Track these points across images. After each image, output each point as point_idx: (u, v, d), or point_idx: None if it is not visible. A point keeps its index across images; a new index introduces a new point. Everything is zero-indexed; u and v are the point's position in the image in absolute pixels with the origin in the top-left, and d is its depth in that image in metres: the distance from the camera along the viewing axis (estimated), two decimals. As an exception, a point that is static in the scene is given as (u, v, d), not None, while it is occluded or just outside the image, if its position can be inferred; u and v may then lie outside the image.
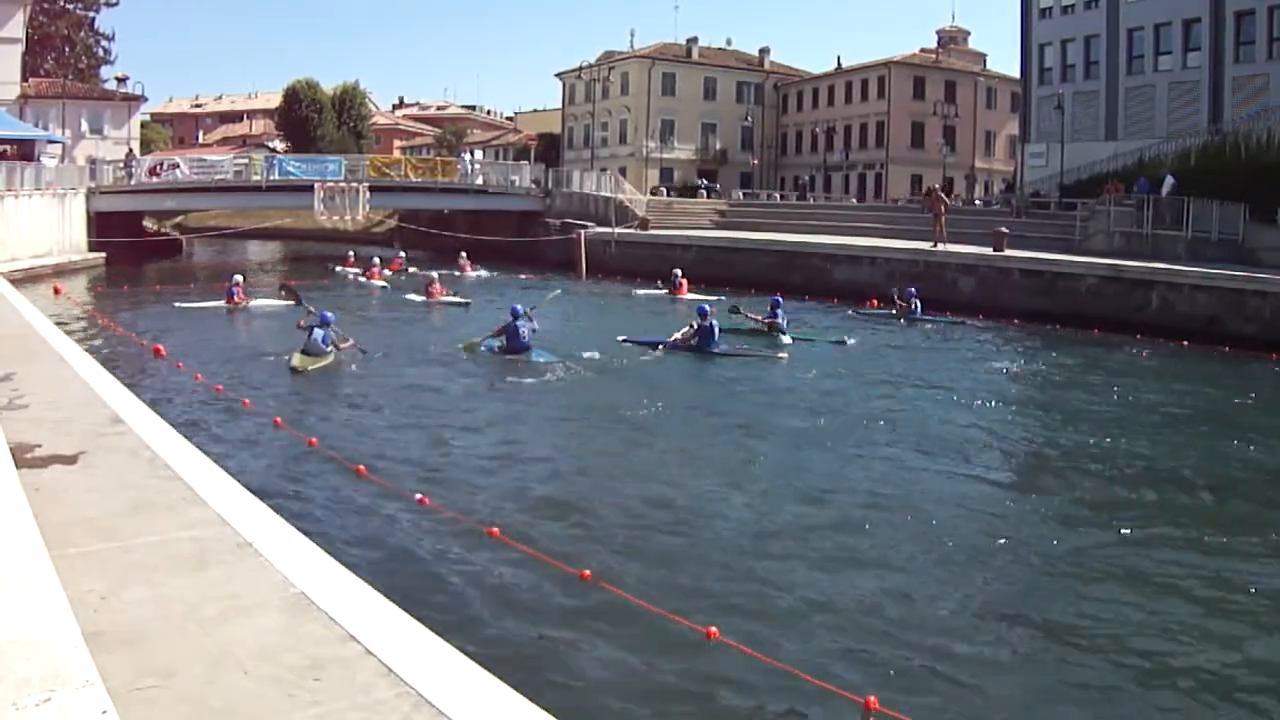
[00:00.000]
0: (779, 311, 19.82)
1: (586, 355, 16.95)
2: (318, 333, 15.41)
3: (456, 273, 32.24)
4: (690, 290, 27.27)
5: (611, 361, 16.94)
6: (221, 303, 22.66)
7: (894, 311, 23.90)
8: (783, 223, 39.91)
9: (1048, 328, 22.76)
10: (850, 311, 25.07)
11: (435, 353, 17.81)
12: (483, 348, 17.02)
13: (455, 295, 25.78)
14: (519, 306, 17.20)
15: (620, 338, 18.90)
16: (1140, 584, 7.53)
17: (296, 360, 15.14)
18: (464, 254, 34.44)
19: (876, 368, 17.74)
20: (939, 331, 22.53)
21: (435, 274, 27.22)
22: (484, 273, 33.68)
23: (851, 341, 19.52)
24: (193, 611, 3.52)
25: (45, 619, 2.65)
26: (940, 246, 28.71)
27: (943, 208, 30.50)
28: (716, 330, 17.72)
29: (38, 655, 2.43)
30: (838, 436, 12.22)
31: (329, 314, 16.10)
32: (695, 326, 17.76)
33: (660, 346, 17.95)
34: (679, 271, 28.18)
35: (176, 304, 23.27)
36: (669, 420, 12.96)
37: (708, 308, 18.55)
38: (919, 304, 23.66)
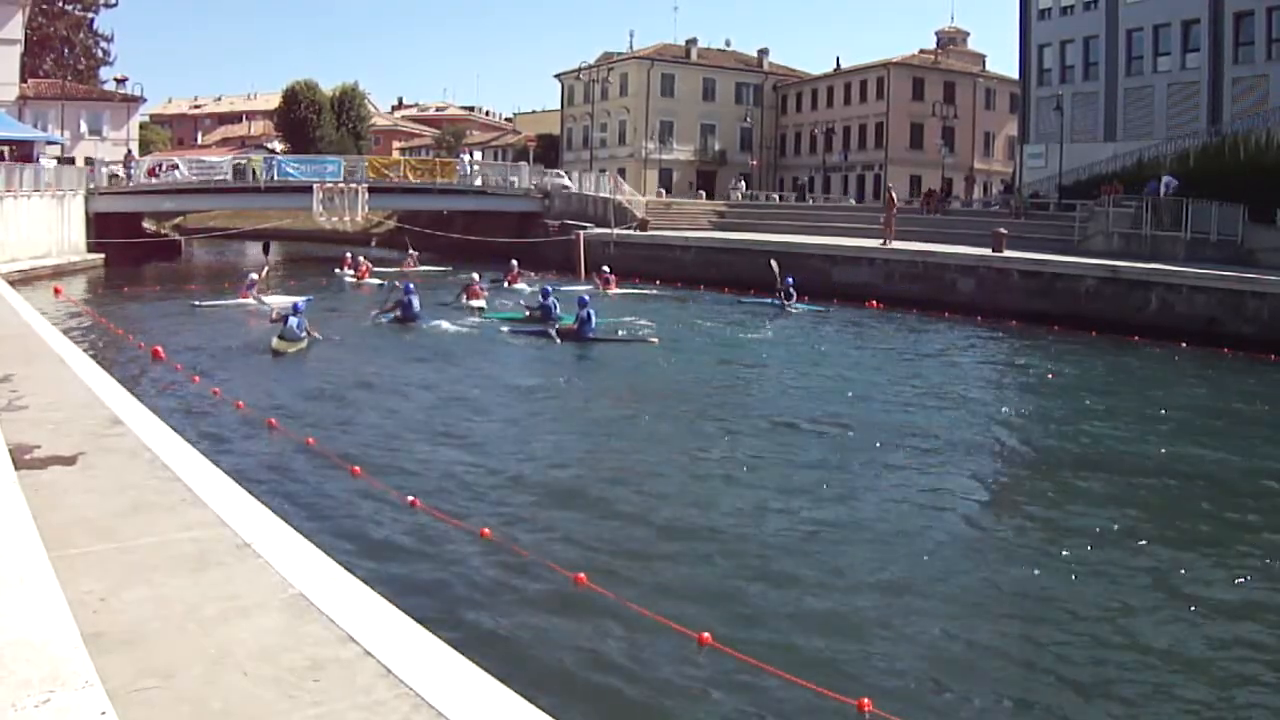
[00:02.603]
0: (550, 300, 21.17)
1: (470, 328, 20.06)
2: (292, 320, 17.17)
3: (505, 283, 29.09)
4: (620, 285, 28.92)
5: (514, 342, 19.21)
6: (240, 300, 23.29)
7: (774, 299, 26.09)
8: (782, 223, 39.93)
9: (1046, 329, 22.79)
10: (738, 300, 27.28)
11: (433, 348, 17.94)
12: (383, 319, 20.73)
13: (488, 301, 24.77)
14: (410, 284, 21.79)
15: (504, 329, 20.32)
16: (1136, 585, 7.54)
17: (276, 344, 16.87)
18: (515, 262, 31.46)
19: (801, 357, 18.91)
20: (815, 318, 24.68)
21: (476, 274, 26.28)
22: (528, 286, 30.49)
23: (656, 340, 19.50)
24: (192, 612, 3.52)
25: (45, 620, 2.66)
26: (891, 244, 29.89)
27: (894, 209, 31.61)
28: (593, 319, 19.16)
29: (37, 656, 2.43)
30: (823, 435, 12.24)
31: (300, 303, 18.01)
32: (575, 315, 19.28)
33: (543, 334, 19.35)
34: (608, 268, 29.40)
35: (195, 303, 23.57)
36: (651, 419, 13.01)
37: (587, 298, 20.15)
38: (794, 292, 25.82)
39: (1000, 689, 5.89)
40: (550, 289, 22.32)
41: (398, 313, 20.74)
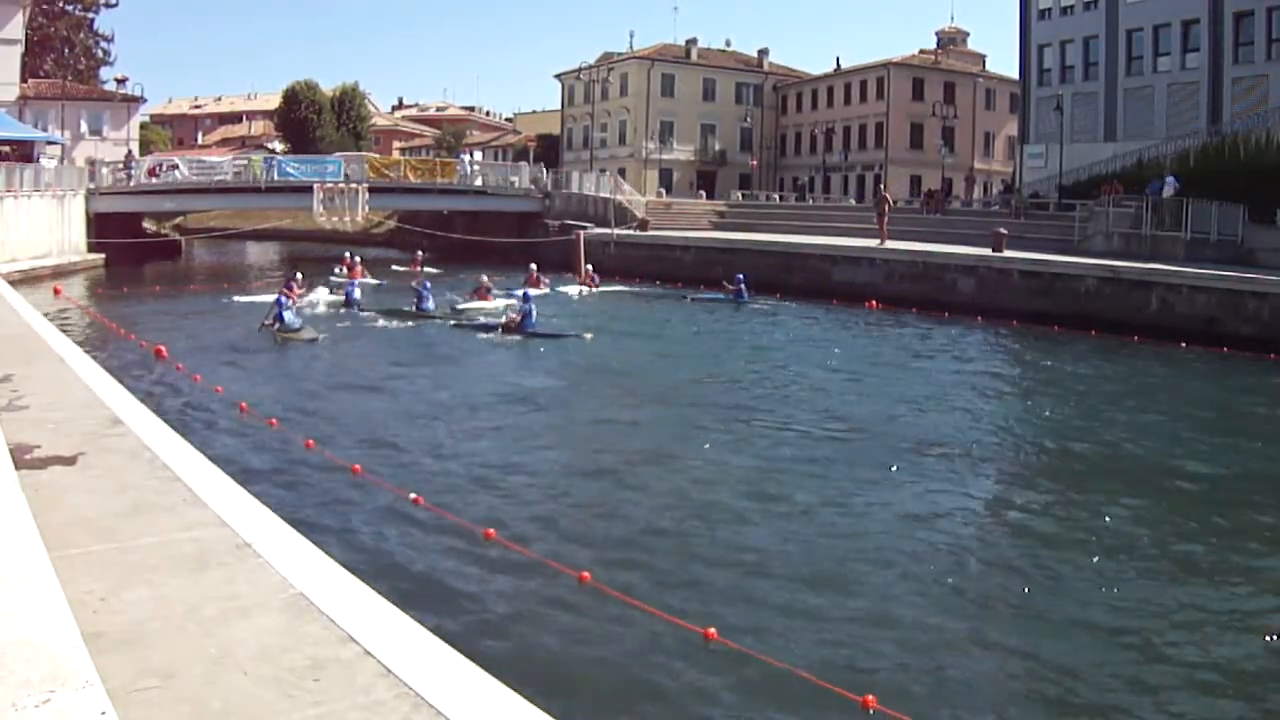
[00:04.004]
0: (426, 293, 22.84)
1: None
2: (287, 314, 18.77)
3: (527, 290, 27.81)
4: (605, 283, 30.55)
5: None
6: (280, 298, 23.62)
7: (726, 296, 27.11)
8: (782, 223, 39.95)
9: (1046, 329, 22.79)
10: (688, 299, 28.03)
11: (432, 346, 18.01)
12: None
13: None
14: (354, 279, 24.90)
15: (451, 323, 21.28)
16: (1139, 585, 7.54)
17: (280, 336, 18.43)
18: (534, 265, 30.26)
19: (783, 351, 19.54)
20: (770, 312, 25.52)
21: (485, 276, 25.87)
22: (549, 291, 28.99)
23: (589, 335, 20.09)
24: (192, 612, 3.52)
25: (45, 620, 2.65)
26: (887, 244, 30.08)
27: (885, 209, 31.73)
28: (534, 314, 19.99)
29: (37, 656, 2.43)
30: (822, 433, 12.24)
31: (284, 298, 19.75)
32: (518, 311, 20.21)
33: (489, 330, 20.31)
34: (590, 266, 31.22)
35: (236, 299, 24.30)
36: (652, 418, 13.02)
37: (529, 294, 21.29)
38: (745, 289, 26.90)
39: (1005, 687, 5.89)
40: (429, 284, 23.62)
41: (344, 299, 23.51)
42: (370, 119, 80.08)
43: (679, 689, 5.66)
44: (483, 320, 21.28)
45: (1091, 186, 33.94)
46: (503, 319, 20.48)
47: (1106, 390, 16.19)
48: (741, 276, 27.41)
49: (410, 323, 21.80)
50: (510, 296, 23.90)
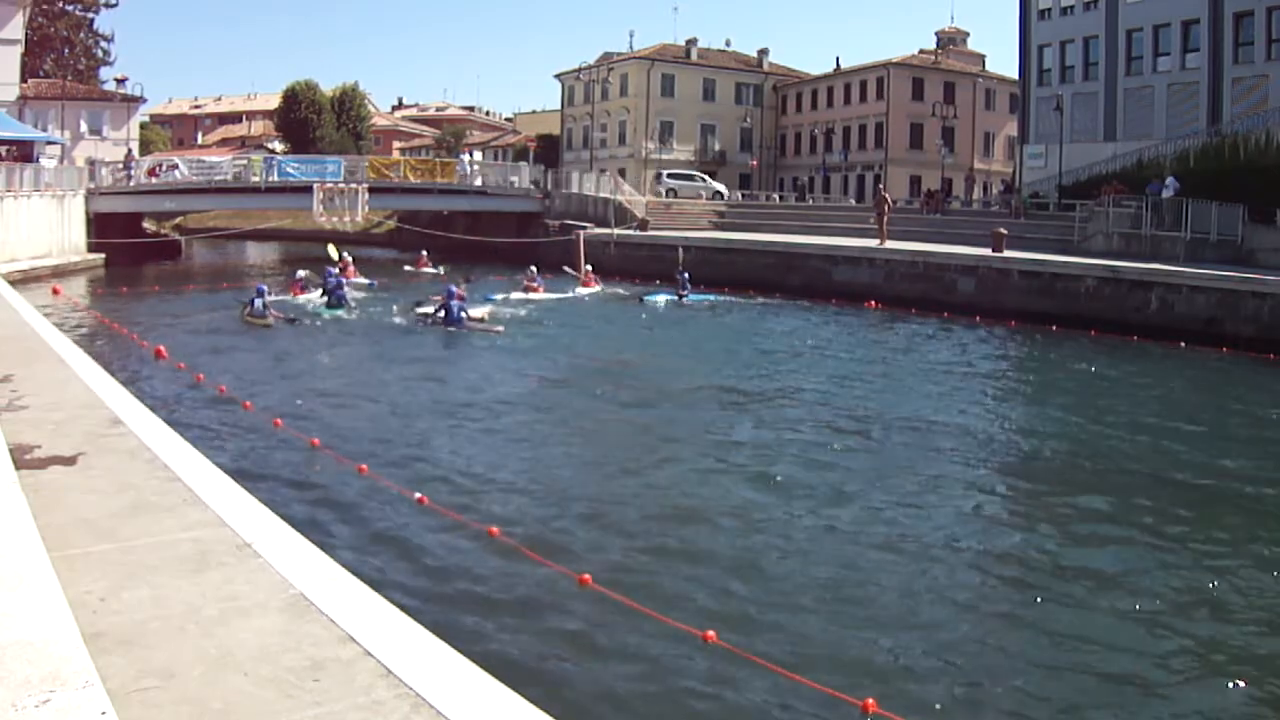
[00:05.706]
0: (341, 290, 23.34)
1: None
2: (257, 302, 20.39)
3: (524, 293, 27.26)
4: (597, 282, 30.69)
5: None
6: (291, 296, 24.28)
7: (671, 292, 27.52)
8: (782, 223, 39.94)
9: (1046, 329, 22.79)
10: (640, 299, 27.91)
11: (437, 348, 17.97)
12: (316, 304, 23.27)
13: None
14: (332, 270, 24.82)
15: (415, 314, 21.77)
16: (1142, 587, 7.53)
17: (245, 319, 20.28)
18: (533, 268, 29.39)
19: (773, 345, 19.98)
20: (715, 307, 26.53)
21: (463, 282, 25.09)
22: (552, 295, 27.88)
23: (500, 328, 20.82)
24: (192, 613, 3.52)
25: (45, 620, 2.65)
26: (887, 244, 30.12)
27: (885, 209, 31.76)
28: (455, 309, 20.48)
29: (38, 656, 2.43)
30: (822, 437, 12.23)
31: (264, 286, 21.29)
32: (443, 304, 20.62)
33: (422, 321, 21.05)
34: (590, 266, 31.69)
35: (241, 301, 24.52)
36: (656, 420, 13.01)
37: (454, 289, 21.30)
38: (688, 285, 27.44)
39: (1005, 691, 5.88)
40: (341, 281, 24.02)
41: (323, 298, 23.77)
42: (370, 119, 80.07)
43: (679, 692, 5.65)
44: (425, 314, 21.48)
45: (1091, 186, 33.91)
46: (432, 312, 21.02)
47: (1106, 391, 16.18)
48: (686, 273, 27.66)
49: (332, 317, 22.28)
50: (488, 300, 24.15)
